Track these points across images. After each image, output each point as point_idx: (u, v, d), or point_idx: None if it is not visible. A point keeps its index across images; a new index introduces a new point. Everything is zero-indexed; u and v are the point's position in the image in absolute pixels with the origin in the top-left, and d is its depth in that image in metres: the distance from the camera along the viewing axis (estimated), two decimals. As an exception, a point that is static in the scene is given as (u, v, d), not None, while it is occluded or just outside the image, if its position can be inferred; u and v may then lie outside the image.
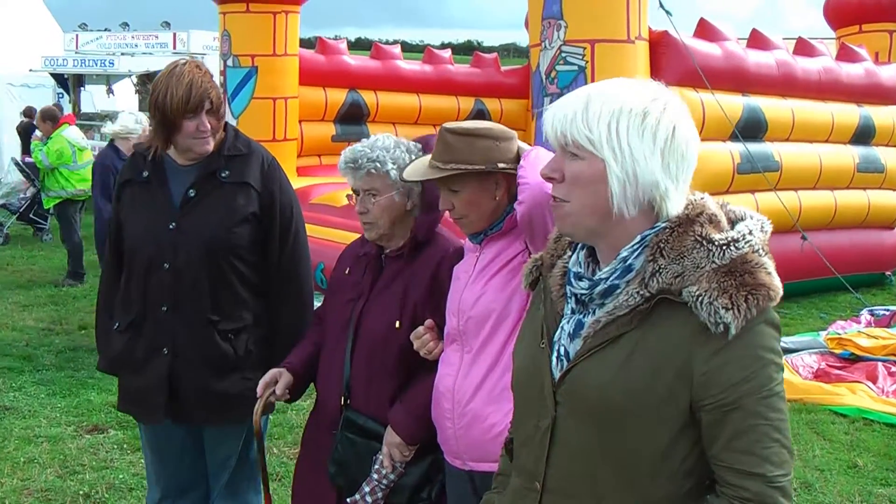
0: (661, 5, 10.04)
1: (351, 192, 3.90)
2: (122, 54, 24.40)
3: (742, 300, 2.07)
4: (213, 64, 19.03)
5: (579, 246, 2.40)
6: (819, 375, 8.64)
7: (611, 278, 2.23)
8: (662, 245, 2.18)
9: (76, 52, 25.63)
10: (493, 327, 3.55)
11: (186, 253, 4.02)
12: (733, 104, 10.63)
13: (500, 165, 3.49)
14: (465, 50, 15.21)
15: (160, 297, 4.05)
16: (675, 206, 2.20)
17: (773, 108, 11.21)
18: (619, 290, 2.22)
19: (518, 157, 3.52)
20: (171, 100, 3.94)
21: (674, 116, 2.18)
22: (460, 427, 3.55)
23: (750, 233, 2.18)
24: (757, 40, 11.65)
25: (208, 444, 4.27)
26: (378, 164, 3.77)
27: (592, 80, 9.38)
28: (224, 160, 4.11)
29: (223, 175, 4.09)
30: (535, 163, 3.33)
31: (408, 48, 15.39)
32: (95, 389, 7.94)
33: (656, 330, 2.16)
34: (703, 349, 2.10)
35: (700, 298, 2.08)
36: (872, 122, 12.31)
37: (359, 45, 14.84)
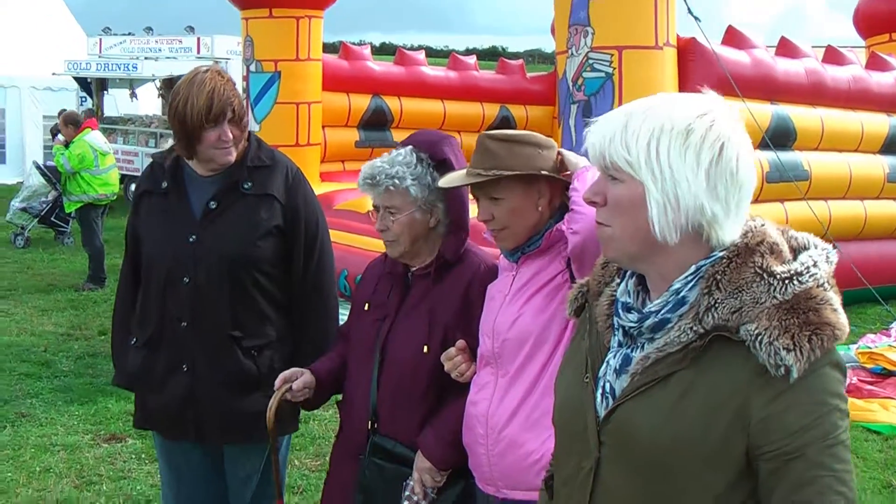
0: (690, 11, 9.87)
1: (371, 209, 3.76)
2: (146, 58, 24.50)
3: (805, 341, 1.90)
4: (237, 69, 19.00)
5: (628, 273, 2.23)
6: (851, 391, 8.39)
7: (662, 311, 2.06)
8: (719, 277, 2.01)
9: (99, 56, 25.74)
10: (530, 351, 3.39)
11: (207, 267, 3.89)
12: (762, 112, 10.46)
13: (545, 172, 3.35)
14: (490, 56, 15.08)
15: (179, 313, 3.91)
16: (727, 233, 2.02)
17: (803, 116, 11.04)
18: (670, 325, 2.05)
19: (558, 167, 3.39)
20: (191, 109, 3.80)
21: (722, 133, 2.00)
22: (495, 454, 3.39)
23: (814, 265, 2.01)
24: (786, 48, 11.50)
25: (229, 463, 4.13)
26: (397, 181, 3.60)
27: (620, 88, 9.39)
28: (247, 171, 3.97)
29: (246, 186, 3.95)
30: None
31: (431, 53, 15.28)
32: (114, 397, 7.82)
33: (711, 370, 1.99)
34: (761, 393, 1.92)
35: (759, 338, 1.91)
36: (901, 131, 12.09)
37: (382, 51, 14.77)
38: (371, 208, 3.75)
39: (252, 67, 12.61)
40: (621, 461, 2.10)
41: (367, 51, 14.34)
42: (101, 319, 10.66)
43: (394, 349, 3.66)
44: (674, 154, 1.99)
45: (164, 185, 4.00)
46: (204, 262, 3.89)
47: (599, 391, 2.19)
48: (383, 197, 3.63)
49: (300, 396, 3.78)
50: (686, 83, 9.76)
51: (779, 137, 10.68)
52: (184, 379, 3.92)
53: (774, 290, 1.96)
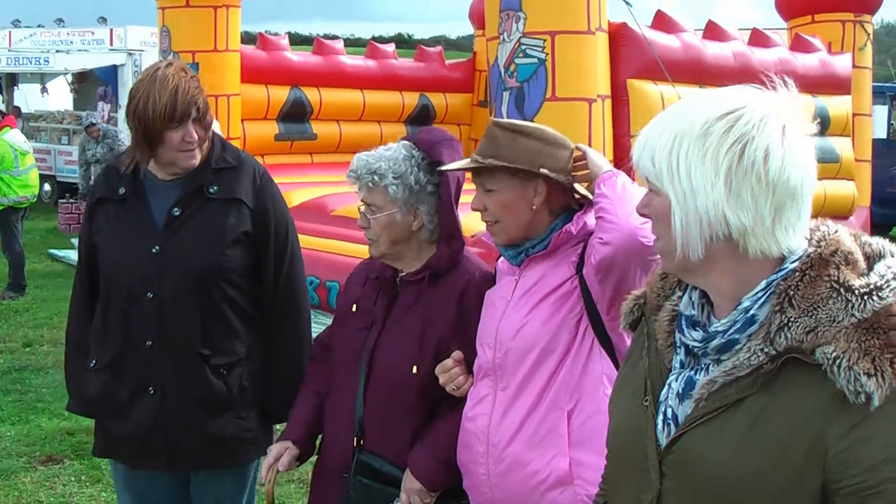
0: (621, -5, 9.70)
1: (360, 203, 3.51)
2: (58, 51, 23.85)
3: (887, 364, 1.71)
4: (152, 60, 18.57)
5: (690, 285, 2.01)
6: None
7: (730, 331, 1.86)
8: (792, 293, 1.81)
9: (9, 50, 24.96)
10: (535, 362, 3.15)
11: (173, 280, 3.58)
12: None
13: (543, 171, 3.13)
14: (397, 43, 14.98)
15: (144, 331, 3.60)
16: (769, 243, 1.83)
17: (732, 100, 10.94)
18: (738, 346, 1.85)
19: (569, 166, 3.18)
20: (153, 108, 3.49)
21: (745, 132, 1.80)
22: (496, 474, 3.16)
23: (894, 277, 1.80)
24: (713, 32, 11.44)
25: (197, 489, 3.85)
26: (376, 178, 3.37)
27: (553, 73, 9.19)
28: (212, 174, 3.66)
29: (211, 191, 3.65)
30: (622, 197, 2.98)
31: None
32: (46, 414, 7.41)
33: (784, 396, 1.80)
34: (839, 422, 1.73)
35: (837, 361, 1.72)
36: (827, 113, 12.14)
37: (290, 41, 14.51)
38: (359, 206, 3.52)
39: (169, 59, 12.22)
40: (685, 494, 1.94)
41: (284, 41, 14.01)
42: (24, 330, 10.22)
43: (381, 361, 3.41)
44: (693, 161, 1.82)
45: (122, 191, 3.69)
46: (169, 276, 3.58)
47: (661, 417, 2.00)
48: (363, 193, 3.41)
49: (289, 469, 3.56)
50: (617, 68, 9.61)
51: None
52: (150, 403, 3.62)
53: (853, 307, 1.77)
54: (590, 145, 3.39)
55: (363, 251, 9.08)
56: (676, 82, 10.09)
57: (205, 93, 3.71)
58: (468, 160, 3.24)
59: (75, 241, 17.48)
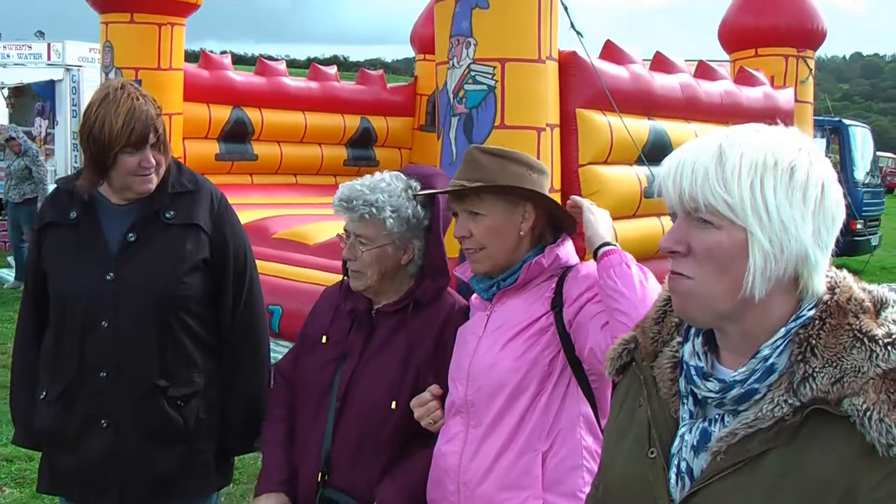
0: (573, 25, 9.73)
1: (342, 232, 3.43)
2: (-7, 65, 23.45)
3: None
4: (91, 77, 18.27)
5: (693, 331, 1.96)
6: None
7: (749, 381, 1.82)
8: (814, 342, 1.78)
9: (-55, 64, 24.58)
10: (507, 400, 3.11)
11: (129, 308, 3.49)
12: (640, 128, 10.36)
13: (540, 191, 3.20)
14: (332, 65, 15.01)
15: (98, 362, 3.50)
16: (821, 283, 1.82)
17: (677, 131, 11.00)
18: (758, 396, 1.81)
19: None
20: (108, 131, 3.40)
21: (822, 171, 1.81)
22: None
23: None
24: (661, 63, 11.49)
25: None
26: (374, 210, 3.31)
27: (502, 101, 9.17)
28: (168, 198, 3.59)
29: (168, 216, 3.58)
30: (641, 291, 2.97)
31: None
32: (-22, 441, 7.12)
33: (810, 449, 1.75)
34: (869, 474, 1.69)
35: (868, 414, 1.68)
36: (772, 147, 12.20)
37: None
38: (340, 234, 3.44)
39: (111, 75, 12.03)
40: None
41: (227, 60, 13.87)
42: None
43: (358, 395, 3.35)
44: (780, 195, 1.77)
45: (73, 215, 3.59)
46: (125, 304, 3.49)
47: (673, 470, 1.92)
48: (357, 224, 3.34)
49: None
50: (566, 97, 9.59)
51: (655, 152, 10.57)
52: (103, 436, 3.52)
53: (877, 357, 1.74)
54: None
55: (305, 275, 8.99)
56: (625, 113, 10.06)
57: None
58: (454, 185, 3.20)
59: (11, 260, 17.21)
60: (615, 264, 3.03)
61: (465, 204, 3.21)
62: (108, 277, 3.54)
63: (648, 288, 3.00)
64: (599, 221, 3.25)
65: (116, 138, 3.45)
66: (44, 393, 3.66)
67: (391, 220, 3.36)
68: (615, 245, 3.17)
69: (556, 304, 3.13)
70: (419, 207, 3.46)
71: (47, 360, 3.68)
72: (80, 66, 21.72)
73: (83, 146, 3.56)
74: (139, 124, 3.48)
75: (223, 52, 14.52)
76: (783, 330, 1.83)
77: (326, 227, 9.95)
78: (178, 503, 3.73)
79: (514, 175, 3.15)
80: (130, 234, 3.58)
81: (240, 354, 3.82)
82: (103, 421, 3.54)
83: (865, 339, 1.76)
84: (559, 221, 3.30)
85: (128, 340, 3.54)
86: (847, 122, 24.05)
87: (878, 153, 28.45)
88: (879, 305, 1.88)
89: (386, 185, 3.43)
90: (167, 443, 3.62)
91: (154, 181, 3.60)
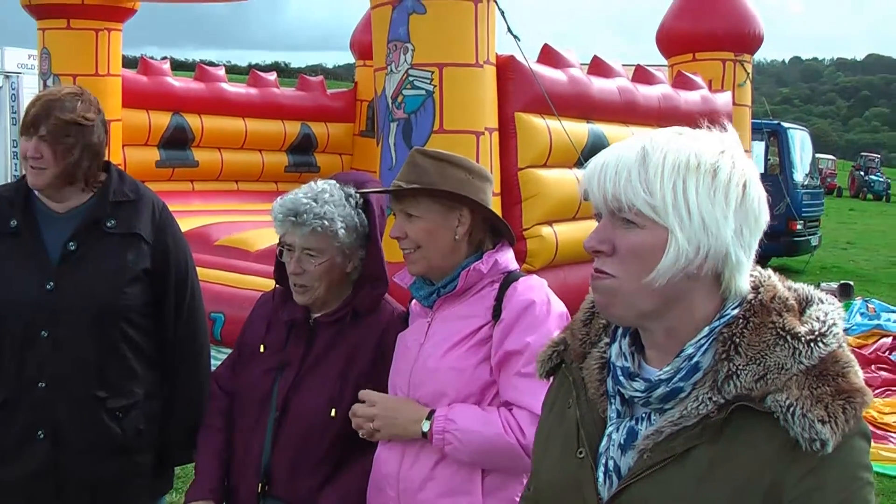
0: (510, 30, 9.82)
1: (279, 245, 3.43)
2: (-70, 71, 23.09)
3: (840, 411, 1.73)
4: (29, 84, 18.05)
5: (620, 332, 2.00)
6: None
7: (674, 379, 1.86)
8: (737, 340, 1.82)
9: None
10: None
11: (68, 320, 3.46)
12: (579, 131, 10.46)
13: (477, 198, 3.18)
14: (274, 71, 14.89)
15: (37, 372, 3.46)
16: (745, 282, 1.86)
17: (616, 134, 11.08)
18: (683, 394, 1.85)
19: (489, 201, 3.19)
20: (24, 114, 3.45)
21: (744, 170, 1.86)
22: None
23: (834, 323, 1.83)
24: (598, 67, 11.58)
25: None
26: (325, 223, 3.30)
27: (441, 105, 9.22)
28: (109, 207, 3.57)
29: (109, 225, 3.56)
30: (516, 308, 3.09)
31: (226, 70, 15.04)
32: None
33: (735, 445, 1.79)
34: (793, 469, 1.74)
35: (791, 409, 1.73)
36: (709, 149, 12.33)
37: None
38: (280, 247, 3.44)
39: (49, 82, 11.95)
40: None
41: (166, 66, 13.81)
42: None
43: (298, 405, 3.33)
44: (702, 195, 1.81)
45: (14, 223, 3.55)
46: (65, 314, 3.46)
47: (601, 469, 1.96)
48: (306, 238, 3.31)
49: None
50: (505, 101, 9.65)
51: (595, 155, 10.67)
52: (41, 448, 3.48)
53: (800, 354, 1.79)
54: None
55: (247, 282, 8.96)
56: (563, 117, 10.16)
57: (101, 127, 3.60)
58: (397, 183, 3.23)
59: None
60: (457, 410, 3.10)
61: (403, 205, 3.23)
62: (49, 287, 3.49)
63: (489, 422, 3.06)
64: (399, 408, 3.22)
65: (22, 119, 3.51)
66: None
67: (342, 231, 3.36)
68: (431, 418, 3.13)
69: (497, 312, 3.17)
70: (363, 214, 3.48)
71: None
72: (20, 73, 21.46)
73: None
74: (35, 109, 3.47)
75: (163, 58, 14.43)
76: (707, 329, 1.86)
77: (268, 233, 9.95)
78: None
79: (453, 180, 3.16)
80: (71, 243, 3.54)
81: (181, 364, 3.80)
82: (40, 432, 3.51)
83: (788, 337, 1.80)
84: (498, 228, 3.32)
85: (67, 351, 3.50)
86: (786, 125, 24.31)
87: (818, 155, 28.80)
88: (804, 303, 1.93)
89: (329, 195, 3.41)
90: (106, 454, 3.59)
91: (42, 177, 3.52)
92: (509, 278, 3.25)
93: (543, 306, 3.15)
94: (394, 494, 3.19)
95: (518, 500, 3.09)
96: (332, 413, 3.35)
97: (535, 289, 3.22)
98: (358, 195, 3.49)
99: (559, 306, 3.23)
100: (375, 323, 3.44)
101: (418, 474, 3.16)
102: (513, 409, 3.09)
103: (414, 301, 3.40)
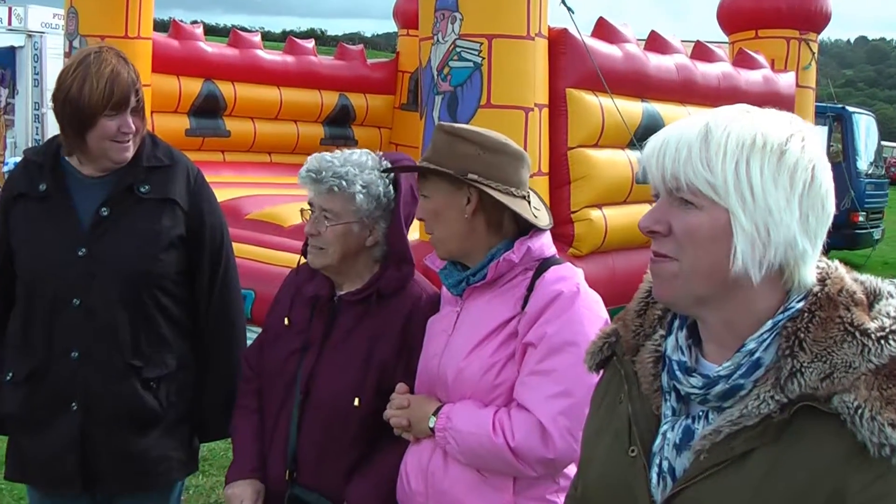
0: (563, 2, 9.75)
1: (306, 206, 3.44)
2: (-51, 30, 23.22)
3: None
4: (54, 44, 18.09)
5: (677, 324, 1.97)
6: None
7: (734, 376, 1.83)
8: (802, 335, 1.79)
9: None
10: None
11: (101, 287, 3.48)
12: (633, 110, 10.39)
13: (471, 176, 3.07)
14: (310, 38, 14.85)
15: (69, 341, 3.49)
16: (810, 274, 1.83)
17: (672, 114, 11.00)
18: (743, 392, 1.82)
19: (511, 178, 3.14)
20: (89, 92, 3.38)
21: (813, 154, 1.82)
22: None
23: None
24: (656, 43, 11.50)
25: None
26: (343, 183, 3.29)
27: (489, 79, 9.18)
28: (143, 172, 3.57)
29: (142, 190, 3.57)
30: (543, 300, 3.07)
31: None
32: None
33: (798, 447, 1.76)
34: (858, 475, 1.71)
35: (860, 412, 1.69)
36: (771, 133, 12.22)
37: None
38: (303, 208, 3.45)
39: (76, 43, 11.97)
40: None
41: (199, 30, 13.82)
42: None
43: (321, 389, 3.35)
44: (766, 177, 1.78)
45: (43, 187, 3.57)
46: (97, 281, 3.48)
47: (655, 470, 1.94)
48: (324, 197, 3.33)
49: None
50: (556, 77, 9.60)
51: (649, 136, 10.49)
52: (73, 419, 3.51)
53: (869, 352, 1.75)
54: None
55: (280, 258, 8.98)
56: (617, 94, 10.11)
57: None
58: (411, 163, 3.22)
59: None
60: (455, 408, 3.11)
61: (419, 185, 3.26)
62: (80, 253, 3.51)
63: (480, 422, 3.06)
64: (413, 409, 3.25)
65: (98, 100, 3.43)
66: (10, 374, 3.64)
67: (361, 196, 3.36)
68: (436, 417, 3.16)
69: (526, 303, 3.14)
70: (390, 187, 3.47)
71: (14, 340, 3.66)
72: (43, 33, 21.48)
73: (58, 111, 3.53)
74: (120, 86, 3.46)
75: (194, 22, 14.42)
76: (770, 323, 1.83)
77: (302, 208, 9.95)
78: (148, 492, 3.74)
79: (459, 155, 3.10)
80: (103, 209, 3.55)
81: (214, 336, 3.83)
82: (73, 404, 3.54)
83: (857, 333, 1.77)
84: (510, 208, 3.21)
85: (100, 320, 3.52)
86: (851, 109, 23.92)
87: (883, 143, 28.39)
88: (873, 297, 1.89)
89: (357, 157, 3.43)
90: (141, 427, 3.62)
91: (131, 150, 3.57)
92: (543, 266, 3.22)
93: (571, 297, 3.11)
94: (421, 489, 3.20)
95: (549, 498, 3.10)
96: (356, 402, 3.35)
97: (565, 279, 3.18)
98: (387, 166, 3.48)
99: (590, 296, 3.19)
100: (400, 307, 3.44)
101: (447, 468, 3.18)
102: (512, 409, 3.08)
103: (444, 287, 3.37)
